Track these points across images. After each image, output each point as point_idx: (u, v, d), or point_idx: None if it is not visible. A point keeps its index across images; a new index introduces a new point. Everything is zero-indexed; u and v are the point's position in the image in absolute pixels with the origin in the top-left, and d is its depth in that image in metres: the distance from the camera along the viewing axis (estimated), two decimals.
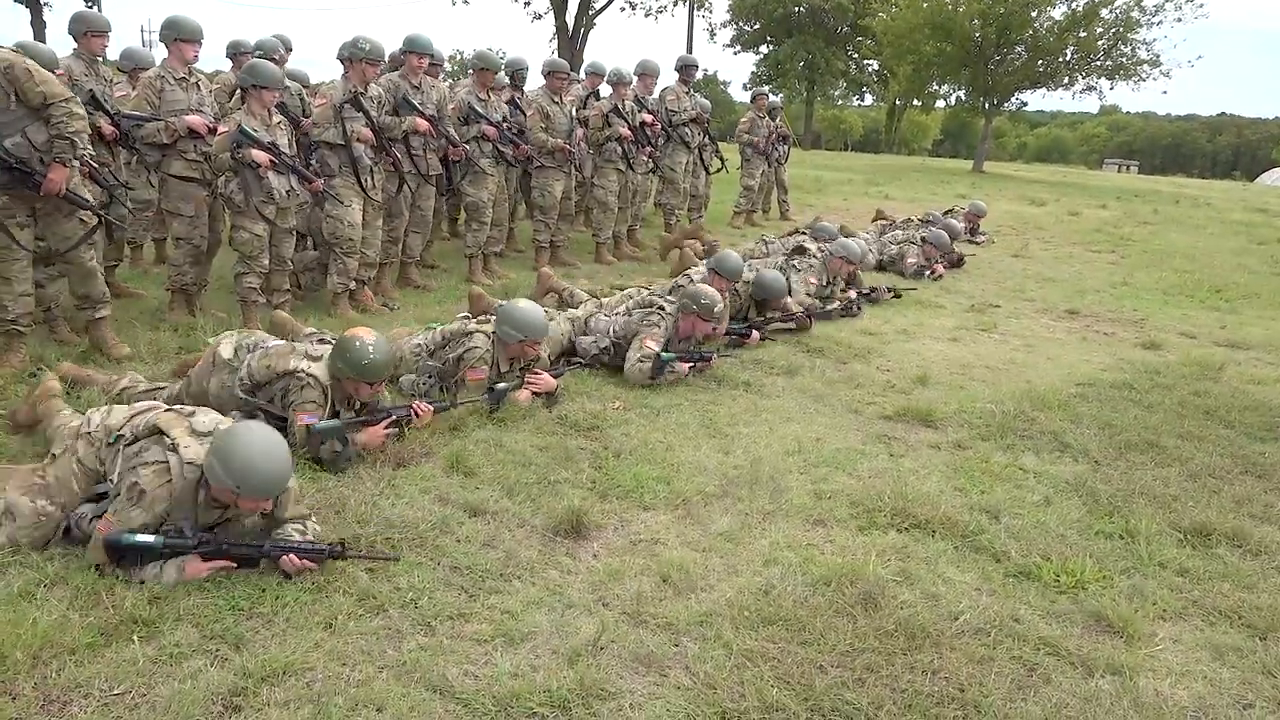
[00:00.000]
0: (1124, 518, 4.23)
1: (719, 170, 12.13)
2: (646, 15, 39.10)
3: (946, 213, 13.52)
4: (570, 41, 36.62)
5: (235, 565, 3.18)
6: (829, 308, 7.99)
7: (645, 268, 9.81)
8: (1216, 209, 22.18)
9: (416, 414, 4.49)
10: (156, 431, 3.24)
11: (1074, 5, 29.37)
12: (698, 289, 6.07)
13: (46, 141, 4.84)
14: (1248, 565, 3.88)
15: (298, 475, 3.64)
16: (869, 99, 58.26)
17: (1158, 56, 29.88)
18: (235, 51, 7.98)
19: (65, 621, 2.84)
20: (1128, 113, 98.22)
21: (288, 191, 6.11)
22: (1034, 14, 29.48)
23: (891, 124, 55.70)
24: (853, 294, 8.47)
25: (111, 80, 6.86)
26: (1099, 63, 30.37)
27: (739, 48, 51.33)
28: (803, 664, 2.92)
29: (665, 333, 5.89)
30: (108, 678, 2.63)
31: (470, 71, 8.59)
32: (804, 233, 10.27)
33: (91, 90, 6.13)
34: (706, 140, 11.73)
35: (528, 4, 39.04)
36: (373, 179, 6.84)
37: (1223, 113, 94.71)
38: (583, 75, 10.77)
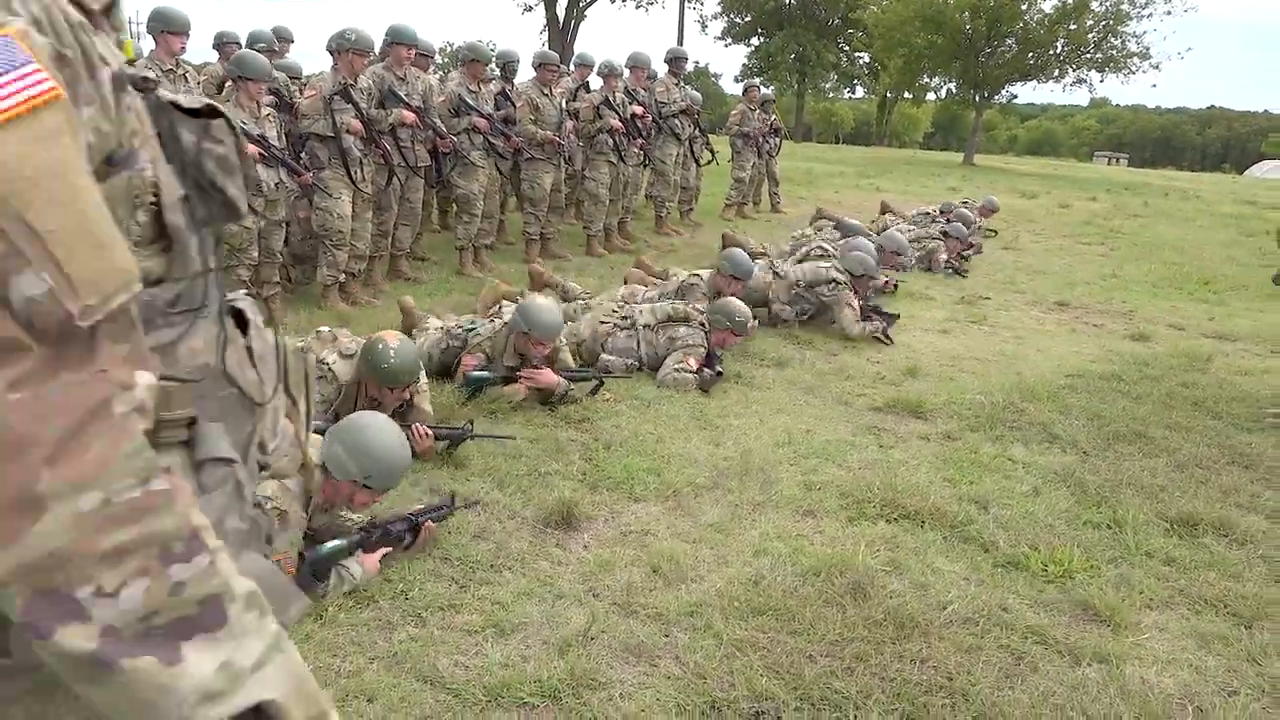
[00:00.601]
0: (1111, 508, 4.25)
1: (710, 162, 12.14)
2: (637, 7, 38.99)
3: (961, 204, 13.40)
4: (561, 34, 36.55)
5: (394, 549, 3.24)
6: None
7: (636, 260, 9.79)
8: (1206, 201, 22.27)
9: (417, 436, 4.09)
10: None
11: None
12: (729, 305, 6.04)
13: None
14: (1234, 555, 3.91)
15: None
16: (860, 91, 58.32)
17: (1147, 49, 29.98)
18: (221, 42, 7.95)
19: None
20: (1118, 106, 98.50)
21: (276, 184, 6.09)
22: (1024, 6, 29.54)
23: (883, 116, 55.71)
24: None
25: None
26: (1089, 55, 30.44)
27: (730, 40, 51.31)
28: (792, 653, 2.93)
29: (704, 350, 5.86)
30: None
31: (460, 63, 8.57)
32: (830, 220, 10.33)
33: None
34: (697, 132, 11.73)
35: None
36: (362, 171, 6.82)
37: (1212, 106, 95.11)
38: (572, 68, 10.76)
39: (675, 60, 11.22)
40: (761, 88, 14.74)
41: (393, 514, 3.35)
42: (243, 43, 7.91)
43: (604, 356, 5.83)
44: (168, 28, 6.26)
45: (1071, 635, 3.19)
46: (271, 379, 1.05)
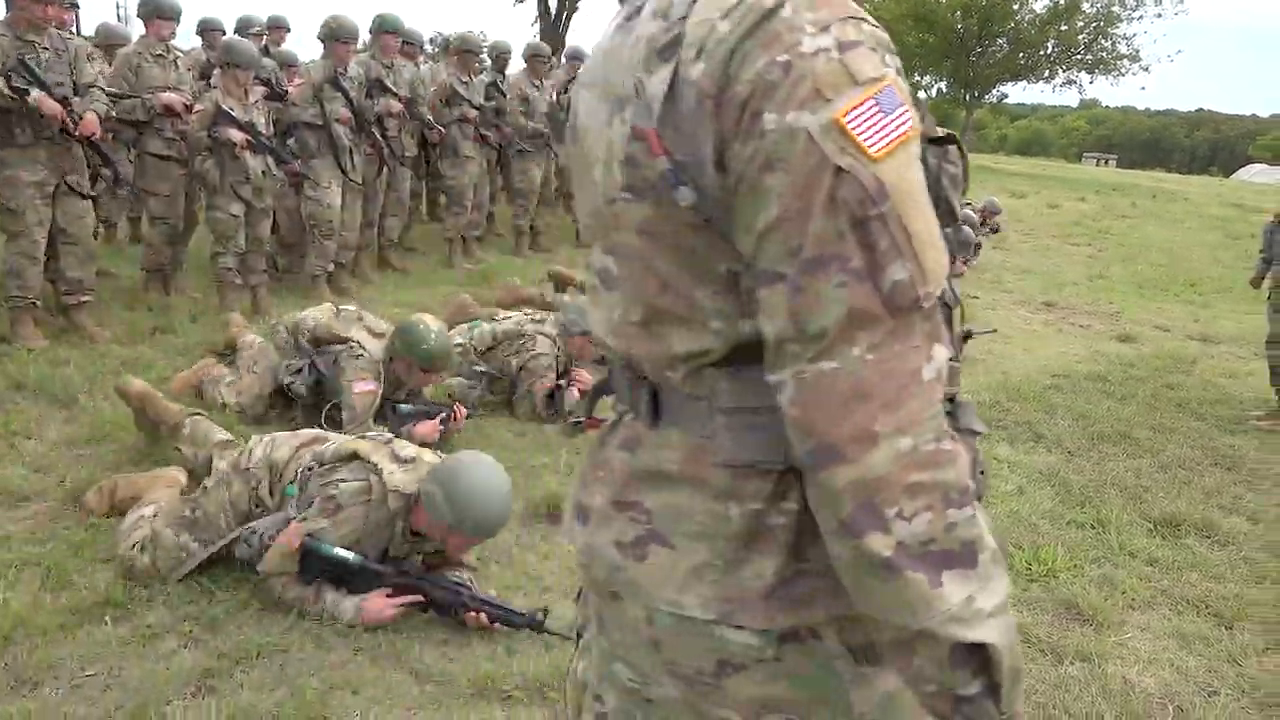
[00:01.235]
0: (1095, 508, 4.28)
1: None
2: None
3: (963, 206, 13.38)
4: (552, 25, 36.43)
5: (425, 602, 2.93)
6: None
7: None
8: (1193, 203, 22.39)
9: (455, 415, 4.33)
10: (353, 457, 3.00)
11: None
12: None
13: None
14: (1216, 555, 3.94)
15: None
16: None
17: (1137, 51, 30.16)
18: (205, 29, 7.88)
19: (37, 603, 2.82)
20: (1107, 107, 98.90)
21: (263, 172, 6.06)
22: (1016, 6, 29.62)
23: None
24: None
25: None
26: (1079, 56, 30.57)
27: None
28: None
29: None
30: (79, 659, 2.62)
31: (452, 54, 8.54)
32: None
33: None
34: None
35: None
36: (352, 160, 6.79)
37: (1201, 108, 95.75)
38: (563, 60, 10.73)
39: None
40: None
41: (453, 579, 3.04)
42: (227, 29, 7.85)
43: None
44: (158, 13, 6.21)
45: (1054, 634, 3.20)
46: None
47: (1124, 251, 13.58)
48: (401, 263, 8.10)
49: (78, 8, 7.42)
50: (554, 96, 9.06)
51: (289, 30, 8.59)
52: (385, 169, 7.25)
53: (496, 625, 2.91)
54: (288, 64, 7.93)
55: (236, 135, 5.84)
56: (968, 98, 32.89)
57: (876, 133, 0.90)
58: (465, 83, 8.07)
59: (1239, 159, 70.32)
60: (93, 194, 5.42)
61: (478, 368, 4.88)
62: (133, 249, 7.81)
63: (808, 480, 0.94)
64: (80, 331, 5.44)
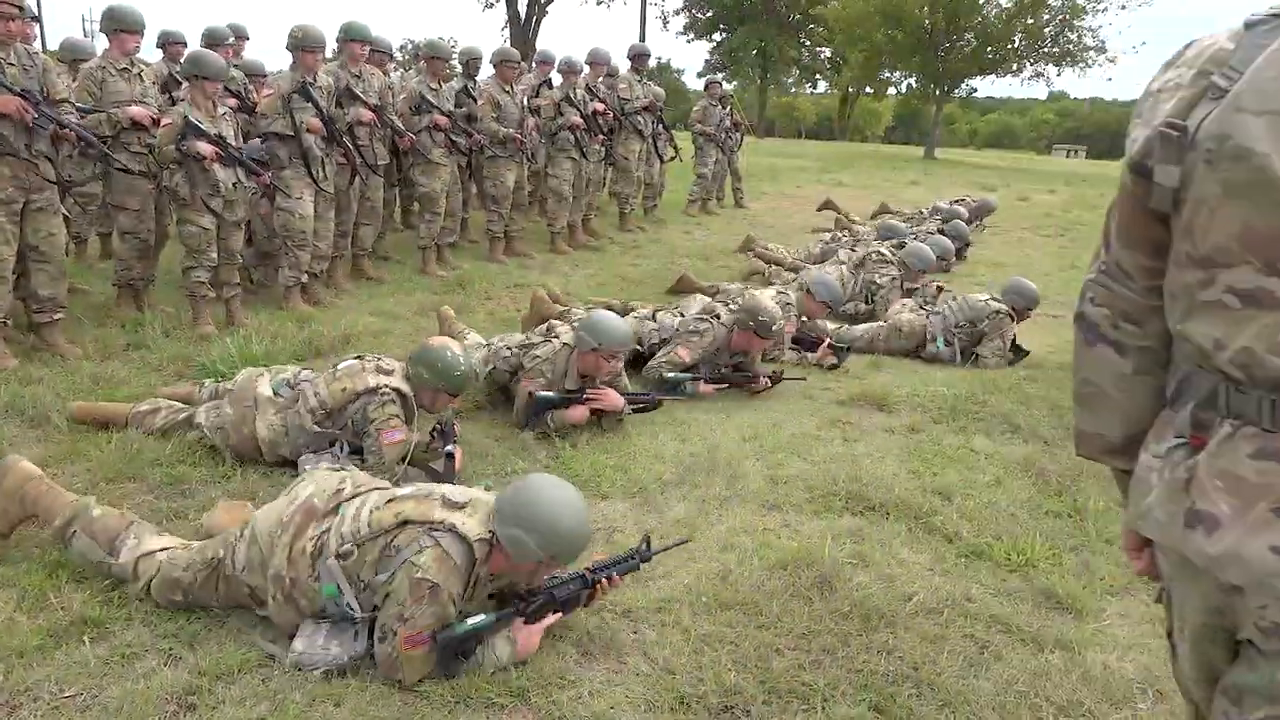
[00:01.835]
0: (1072, 496, 4.32)
1: (673, 158, 12.16)
2: (599, 3, 38.95)
3: (956, 202, 13.26)
4: (522, 30, 36.43)
5: (562, 614, 2.88)
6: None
7: (600, 257, 9.80)
8: None
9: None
10: (404, 525, 2.73)
11: None
12: (758, 302, 5.55)
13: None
14: None
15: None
16: (822, 86, 58.48)
17: (1103, 43, 30.38)
18: (166, 41, 7.82)
19: (13, 624, 2.79)
20: (1076, 99, 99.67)
21: (234, 184, 6.02)
22: (982, 1, 29.80)
23: (844, 111, 55.95)
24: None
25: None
26: (1046, 49, 30.78)
27: (692, 35, 51.35)
28: (760, 647, 2.95)
29: (711, 345, 5.51)
30: (57, 680, 2.59)
31: (421, 61, 8.51)
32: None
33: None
34: (660, 128, 11.74)
35: None
36: (324, 170, 6.75)
37: None
38: (533, 65, 10.74)
39: (637, 57, 11.22)
40: (723, 83, 14.77)
41: (565, 574, 2.94)
42: (188, 41, 7.77)
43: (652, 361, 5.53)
44: (122, 26, 6.15)
45: (1034, 623, 3.23)
46: None
47: (1094, 242, 13.67)
48: (376, 271, 8.07)
49: (40, 21, 7.32)
50: (525, 101, 9.05)
51: (248, 39, 8.53)
52: (357, 178, 7.21)
53: (623, 578, 2.99)
54: (254, 74, 7.88)
55: (205, 148, 5.79)
56: (937, 93, 33.04)
57: None
58: (434, 89, 8.05)
59: None
60: (65, 212, 5.37)
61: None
62: (104, 265, 7.74)
63: None
64: (52, 349, 5.40)
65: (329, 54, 7.14)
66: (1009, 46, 30.78)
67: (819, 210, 13.39)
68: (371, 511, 2.79)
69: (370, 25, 7.22)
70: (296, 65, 6.59)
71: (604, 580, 2.93)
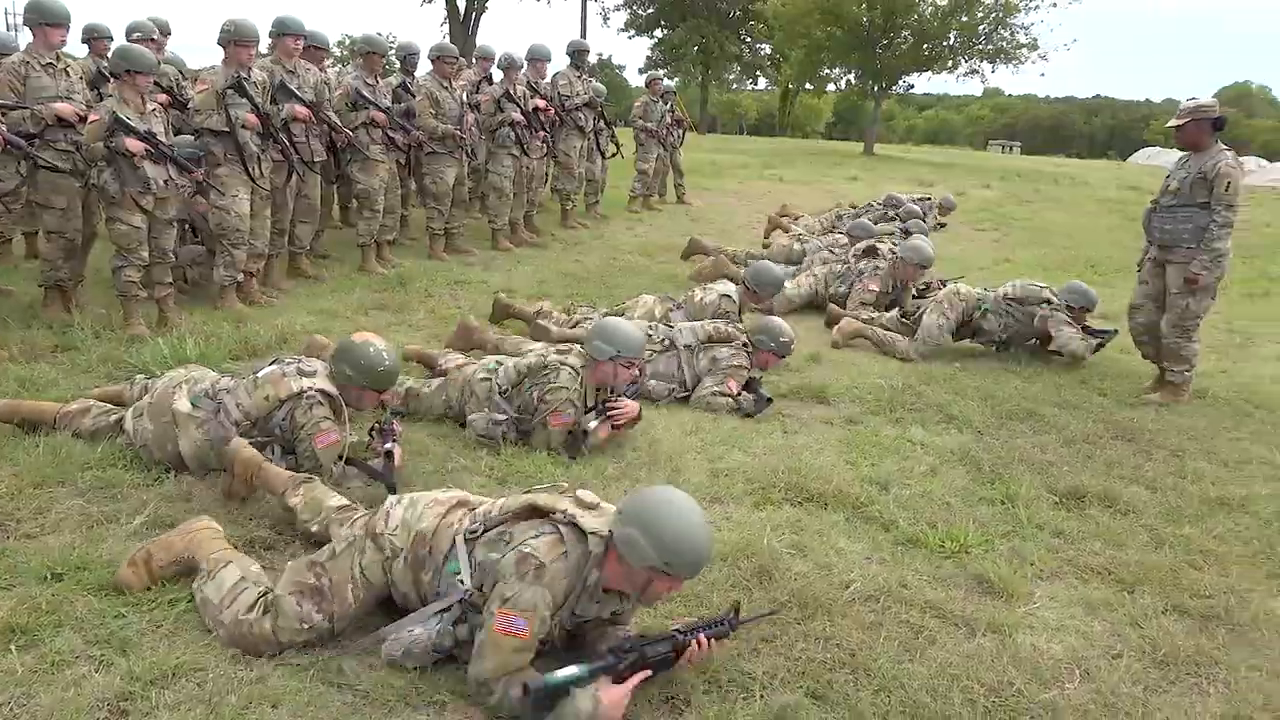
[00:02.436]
0: (1005, 484, 4.43)
1: (614, 155, 12.15)
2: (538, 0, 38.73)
3: (920, 200, 13.19)
4: (461, 26, 36.13)
5: (651, 674, 2.67)
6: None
7: (542, 254, 9.78)
8: (1093, 187, 23.13)
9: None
10: (531, 512, 2.72)
11: None
12: (772, 324, 5.58)
13: None
14: (1118, 524, 4.10)
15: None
16: (763, 83, 58.91)
17: (1035, 40, 30.94)
18: (91, 36, 7.62)
19: None
20: (1010, 95, 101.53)
21: (165, 181, 5.89)
22: None
23: (785, 107, 56.35)
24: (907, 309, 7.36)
25: None
26: (980, 46, 31.29)
27: (633, 32, 51.35)
28: None
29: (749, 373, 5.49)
30: None
31: (357, 56, 8.42)
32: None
33: None
34: (602, 125, 11.73)
35: None
36: (260, 167, 6.64)
37: (1098, 95, 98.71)
38: (473, 61, 10.66)
39: (577, 53, 11.20)
40: (665, 80, 14.80)
41: (656, 633, 2.80)
42: (115, 36, 7.59)
43: (646, 380, 5.30)
44: (46, 20, 5.97)
45: (968, 608, 3.31)
46: None
47: (1028, 235, 14.00)
48: (314, 269, 7.96)
49: None
50: (465, 97, 8.99)
51: (169, 34, 8.35)
52: (294, 175, 7.10)
53: (716, 643, 2.79)
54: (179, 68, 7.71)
55: (134, 145, 5.66)
56: (876, 89, 33.45)
57: None
58: (371, 85, 7.96)
59: (1135, 143, 72.77)
60: None
61: (498, 415, 4.56)
62: (29, 265, 7.54)
63: None
64: None
65: (263, 49, 7.00)
66: (944, 44, 31.23)
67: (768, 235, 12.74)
68: (508, 500, 2.87)
69: (305, 19, 7.12)
70: (229, 60, 6.47)
71: (695, 642, 2.74)
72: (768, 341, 5.49)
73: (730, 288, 6.60)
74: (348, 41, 41.39)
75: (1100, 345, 6.73)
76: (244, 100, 6.44)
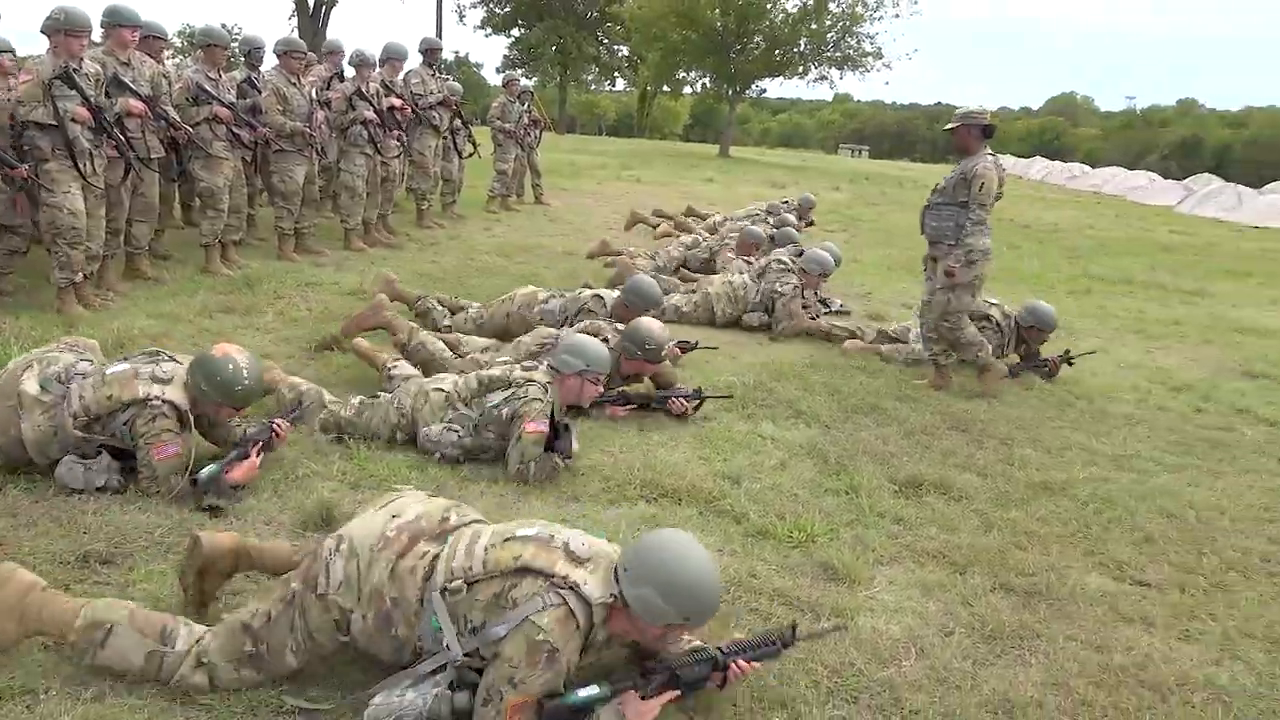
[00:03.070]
0: (849, 475, 4.63)
1: (472, 155, 12.06)
2: None
3: (783, 203, 13.40)
4: (311, 20, 35.07)
5: (681, 695, 2.61)
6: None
7: (398, 255, 9.62)
8: None
9: (277, 433, 4.04)
10: (523, 571, 2.50)
11: None
12: (639, 329, 5.28)
13: None
14: (952, 510, 4.35)
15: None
16: (621, 84, 59.41)
17: (880, 49, 32.30)
18: None
19: None
20: (859, 101, 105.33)
21: None
22: (770, 5, 31.07)
23: (643, 109, 57.01)
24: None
25: None
26: (829, 53, 32.42)
27: (490, 30, 50.95)
28: None
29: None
30: None
31: (198, 49, 8.09)
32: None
33: None
34: (459, 124, 11.63)
35: None
36: (92, 163, 6.30)
37: (939, 102, 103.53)
38: (322, 56, 10.39)
39: (430, 51, 11.06)
40: (522, 79, 14.76)
41: (690, 649, 2.70)
42: None
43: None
44: None
45: (814, 594, 3.46)
46: None
47: (875, 237, 14.59)
48: (154, 271, 7.60)
49: None
50: (314, 94, 8.76)
51: None
52: (130, 172, 6.77)
53: (758, 665, 2.74)
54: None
55: None
56: (730, 92, 34.25)
57: None
58: (214, 79, 7.68)
59: None
60: None
61: (465, 411, 4.45)
62: None
63: None
64: None
65: (96, 38, 6.65)
66: (795, 50, 32.23)
67: (627, 228, 12.90)
68: (487, 549, 2.58)
69: (141, 9, 6.79)
70: (58, 50, 6.11)
71: (736, 664, 2.68)
72: (634, 350, 5.23)
73: (607, 292, 6.53)
74: (188, 32, 39.58)
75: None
76: (73, 92, 6.10)
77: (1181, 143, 76.97)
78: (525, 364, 4.68)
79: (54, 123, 6.02)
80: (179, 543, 3.39)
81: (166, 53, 8.13)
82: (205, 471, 3.72)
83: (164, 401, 3.71)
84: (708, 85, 36.75)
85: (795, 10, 31.37)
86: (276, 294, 7.37)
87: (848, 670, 2.98)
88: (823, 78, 33.55)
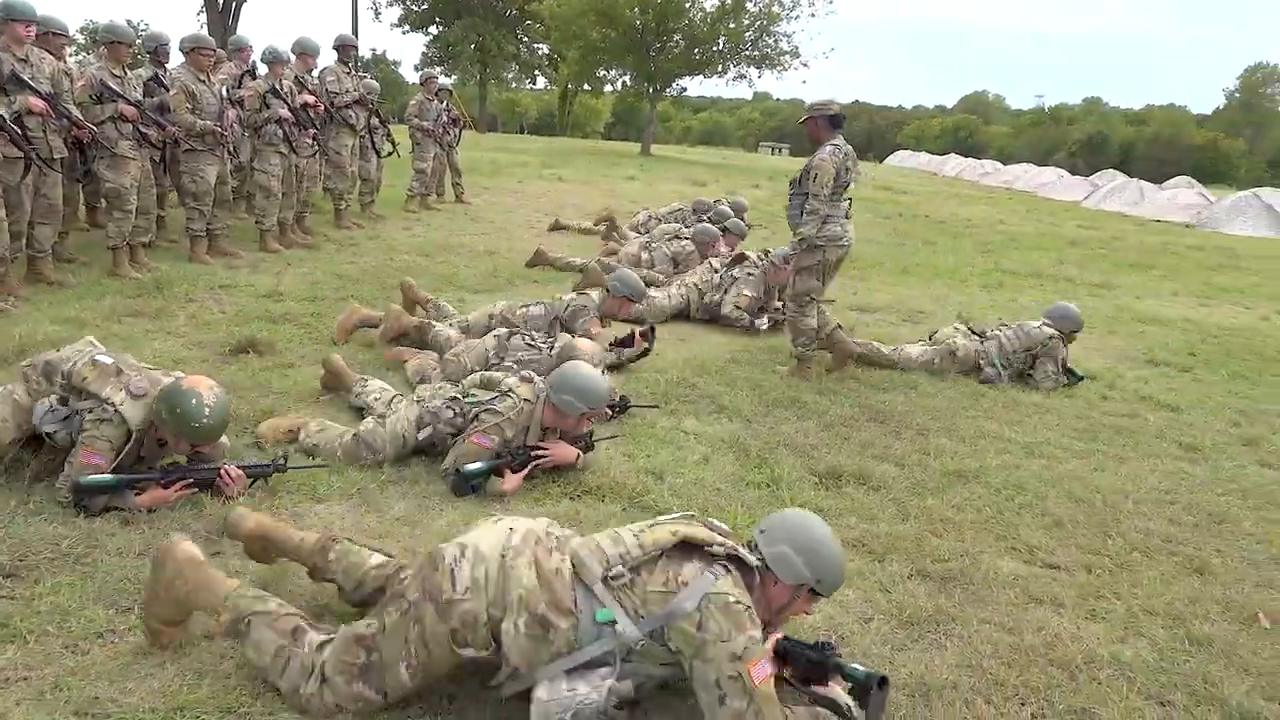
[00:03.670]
0: (770, 467, 4.70)
1: (390, 154, 11.90)
2: None
3: (716, 202, 13.05)
4: (221, 16, 34.21)
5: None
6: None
7: (315, 255, 9.45)
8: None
9: (226, 480, 3.82)
10: (684, 545, 2.57)
11: None
12: (626, 273, 6.22)
13: None
14: (870, 499, 4.45)
15: None
16: (542, 82, 59.12)
17: (797, 48, 32.70)
18: None
19: None
20: (778, 100, 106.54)
21: None
22: (688, 4, 31.22)
23: (565, 107, 56.83)
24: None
25: None
26: (747, 52, 32.71)
27: (407, 28, 50.29)
28: None
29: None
30: None
31: (100, 46, 7.84)
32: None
33: None
34: (377, 123, 11.46)
35: None
36: None
37: (856, 100, 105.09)
38: (230, 53, 10.15)
39: (344, 48, 10.89)
40: (440, 77, 14.61)
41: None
42: None
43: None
44: None
45: None
46: None
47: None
48: (57, 275, 7.35)
49: None
50: (225, 92, 8.55)
51: None
52: (30, 171, 6.53)
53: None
54: None
55: None
56: (651, 91, 34.33)
57: None
58: (119, 77, 7.45)
59: (891, 146, 78.12)
60: None
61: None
62: None
63: None
64: None
65: None
66: (714, 49, 32.43)
67: (551, 230, 12.62)
68: (637, 535, 2.63)
69: (41, 4, 6.56)
70: None
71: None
72: (621, 288, 5.92)
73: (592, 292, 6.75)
74: (91, 29, 38.30)
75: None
76: None
77: (1088, 140, 79.60)
78: (524, 374, 4.58)
79: None
80: (86, 554, 3.30)
81: (68, 49, 7.86)
82: (99, 479, 3.58)
83: (116, 411, 3.64)
84: (628, 84, 36.77)
85: (713, 9, 31.58)
86: (188, 297, 7.19)
87: None
88: (741, 76, 33.83)
